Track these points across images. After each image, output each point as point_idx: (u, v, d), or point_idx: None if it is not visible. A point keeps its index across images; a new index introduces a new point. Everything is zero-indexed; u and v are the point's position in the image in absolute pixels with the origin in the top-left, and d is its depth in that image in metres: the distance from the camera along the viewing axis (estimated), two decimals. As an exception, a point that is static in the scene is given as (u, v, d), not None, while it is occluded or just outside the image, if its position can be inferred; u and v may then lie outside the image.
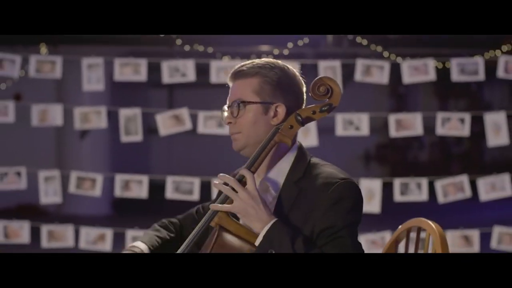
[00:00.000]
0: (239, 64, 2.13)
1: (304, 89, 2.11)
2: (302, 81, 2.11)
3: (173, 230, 2.24)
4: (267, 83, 2.05)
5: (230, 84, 2.12)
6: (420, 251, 2.31)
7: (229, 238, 1.97)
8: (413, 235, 2.33)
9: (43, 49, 8.53)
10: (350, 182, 1.98)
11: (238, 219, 2.03)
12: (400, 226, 2.36)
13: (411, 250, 2.33)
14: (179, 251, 2.03)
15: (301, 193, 1.98)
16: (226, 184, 1.97)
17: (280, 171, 2.04)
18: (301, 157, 2.04)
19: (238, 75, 2.08)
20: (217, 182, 1.97)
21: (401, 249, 2.38)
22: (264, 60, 2.12)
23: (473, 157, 14.24)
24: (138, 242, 2.15)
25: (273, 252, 1.86)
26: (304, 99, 2.11)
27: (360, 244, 1.97)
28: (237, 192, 1.92)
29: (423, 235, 2.27)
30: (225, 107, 2.09)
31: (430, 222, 2.22)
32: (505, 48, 7.72)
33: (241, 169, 1.98)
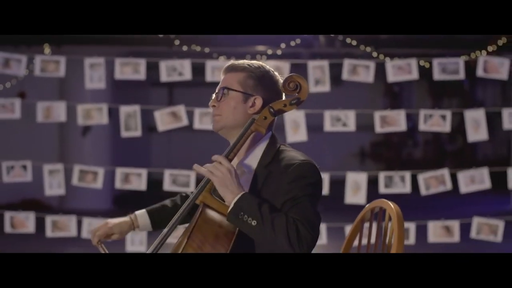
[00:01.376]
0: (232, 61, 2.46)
1: (281, 90, 2.41)
2: (281, 83, 2.41)
3: (178, 203, 2.65)
4: (251, 77, 2.38)
5: (222, 77, 2.44)
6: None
7: (211, 213, 2.28)
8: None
9: (47, 49, 8.83)
10: (308, 163, 2.29)
11: (221, 199, 2.34)
12: (366, 206, 2.67)
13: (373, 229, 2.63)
14: (168, 225, 2.35)
15: (269, 175, 2.30)
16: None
17: (254, 157, 2.35)
18: (271, 145, 2.36)
19: (229, 69, 2.42)
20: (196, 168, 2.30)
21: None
22: (254, 61, 2.44)
23: (454, 152, 14.62)
24: (142, 210, 2.66)
25: (244, 215, 2.17)
26: (281, 98, 2.41)
27: (319, 213, 2.26)
28: (218, 165, 2.25)
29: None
30: (213, 94, 2.42)
31: (390, 203, 2.52)
32: (490, 48, 8.04)
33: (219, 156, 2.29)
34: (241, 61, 2.43)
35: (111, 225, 2.62)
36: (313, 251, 5.44)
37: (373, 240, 2.59)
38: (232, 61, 2.44)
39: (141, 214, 2.65)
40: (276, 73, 2.42)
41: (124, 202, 10.42)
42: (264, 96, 2.36)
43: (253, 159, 2.34)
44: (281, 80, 2.39)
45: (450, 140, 14.30)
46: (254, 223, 2.17)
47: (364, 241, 2.74)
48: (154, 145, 14.27)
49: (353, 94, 12.63)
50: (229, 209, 2.20)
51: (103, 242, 2.65)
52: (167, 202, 2.67)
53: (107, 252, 2.60)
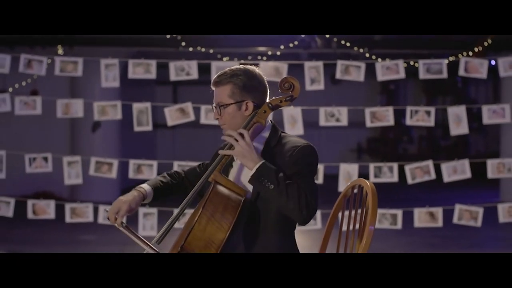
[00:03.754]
0: (236, 63, 2.96)
1: (265, 83, 2.90)
2: (263, 78, 2.91)
3: (176, 179, 3.07)
4: (236, 87, 2.87)
5: (213, 89, 2.96)
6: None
7: (221, 188, 2.82)
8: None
9: (60, 50, 9.35)
10: (309, 145, 2.82)
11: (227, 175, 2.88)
12: (348, 184, 3.20)
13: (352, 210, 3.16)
14: (185, 200, 2.87)
15: (275, 156, 2.83)
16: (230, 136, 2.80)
17: (260, 142, 2.89)
18: (274, 132, 2.90)
19: (216, 84, 2.92)
20: (225, 136, 2.81)
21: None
22: (234, 68, 2.91)
23: (438, 144, 15.22)
24: (144, 184, 2.96)
25: (264, 180, 2.68)
26: (267, 91, 2.91)
27: (317, 186, 2.79)
28: (237, 141, 2.78)
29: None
30: (213, 107, 2.93)
31: (367, 181, 3.04)
32: (476, 49, 8.58)
33: (240, 129, 2.80)
34: (222, 73, 2.89)
35: (128, 202, 2.81)
36: (311, 233, 6.16)
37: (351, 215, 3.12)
38: (217, 75, 2.91)
39: (149, 190, 2.91)
40: (252, 69, 2.88)
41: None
42: (252, 98, 2.86)
43: (259, 145, 2.87)
44: (259, 73, 2.88)
45: (443, 135, 14.84)
46: (271, 187, 2.69)
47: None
48: (163, 139, 14.84)
49: (351, 92, 13.23)
50: (251, 174, 2.72)
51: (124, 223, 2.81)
52: (168, 179, 3.02)
53: (132, 230, 2.82)
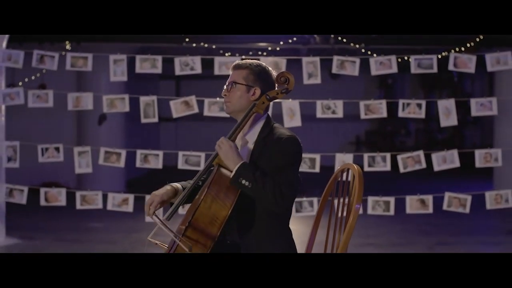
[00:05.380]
0: (238, 59, 3.31)
1: (275, 82, 3.28)
2: (275, 78, 3.29)
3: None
4: (252, 74, 3.25)
5: (231, 72, 3.32)
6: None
7: (224, 171, 3.17)
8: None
9: (68, 46, 9.69)
10: (293, 137, 3.16)
11: None
12: (338, 168, 3.54)
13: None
14: (194, 179, 3.22)
15: (265, 145, 3.17)
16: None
17: (255, 131, 3.23)
18: (267, 123, 3.24)
19: (236, 66, 3.30)
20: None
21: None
22: (255, 60, 3.30)
23: (434, 137, 15.55)
24: (176, 183, 3.28)
25: (242, 180, 3.02)
26: (274, 88, 3.29)
27: (299, 177, 3.12)
28: (222, 143, 3.12)
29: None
30: (225, 86, 3.30)
31: (354, 165, 3.37)
32: (468, 45, 8.92)
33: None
34: (244, 61, 3.27)
35: (160, 195, 3.07)
36: (306, 219, 6.52)
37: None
38: (238, 61, 3.28)
39: (180, 187, 3.16)
40: (270, 68, 3.27)
41: (143, 177, 11.29)
42: (261, 87, 3.24)
43: (254, 133, 3.22)
44: (274, 73, 3.26)
45: (439, 128, 15.15)
46: (250, 185, 3.01)
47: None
48: (168, 130, 15.22)
49: (349, 86, 13.57)
50: (231, 175, 3.05)
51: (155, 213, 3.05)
52: (190, 180, 3.30)
53: (162, 220, 3.05)
